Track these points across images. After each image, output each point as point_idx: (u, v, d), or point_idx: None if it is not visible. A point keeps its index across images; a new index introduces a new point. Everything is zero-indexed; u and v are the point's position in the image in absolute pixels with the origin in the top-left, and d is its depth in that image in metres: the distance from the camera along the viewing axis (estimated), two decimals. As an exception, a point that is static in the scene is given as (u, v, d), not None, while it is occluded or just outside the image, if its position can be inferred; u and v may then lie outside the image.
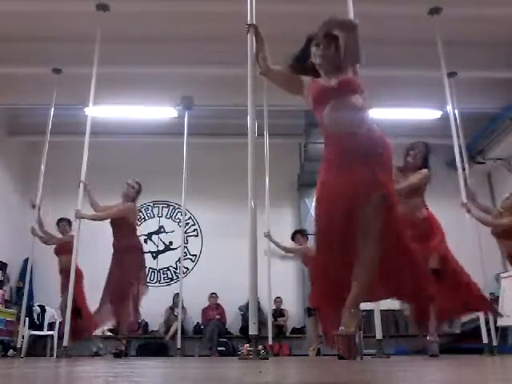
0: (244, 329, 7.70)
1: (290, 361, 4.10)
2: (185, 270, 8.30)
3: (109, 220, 5.12)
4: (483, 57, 6.84)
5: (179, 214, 8.88)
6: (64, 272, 5.52)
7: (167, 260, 8.93)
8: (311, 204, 9.01)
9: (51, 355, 6.60)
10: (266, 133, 6.45)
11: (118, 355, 4.70)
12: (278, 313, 8.20)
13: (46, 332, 7.09)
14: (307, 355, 6.39)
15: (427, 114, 7.82)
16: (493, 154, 8.44)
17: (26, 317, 5.79)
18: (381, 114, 7.77)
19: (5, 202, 8.30)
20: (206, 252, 8.96)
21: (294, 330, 8.41)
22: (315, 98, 2.49)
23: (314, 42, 2.57)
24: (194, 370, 2.12)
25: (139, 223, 9.20)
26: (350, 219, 2.21)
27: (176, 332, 6.58)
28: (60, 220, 6.03)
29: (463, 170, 5.59)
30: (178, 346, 6.31)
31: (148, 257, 8.93)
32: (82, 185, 5.03)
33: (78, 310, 5.16)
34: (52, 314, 7.20)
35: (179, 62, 6.71)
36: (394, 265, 2.21)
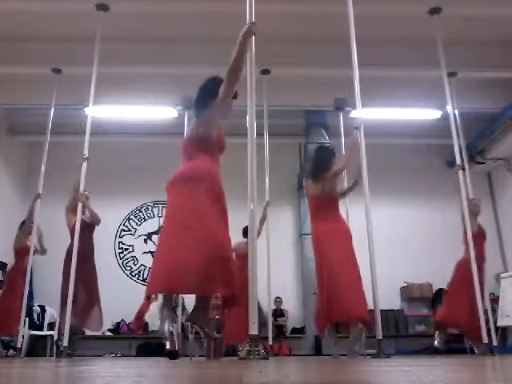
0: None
1: (290, 361, 4.10)
2: (185, 270, 8.29)
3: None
4: (483, 57, 6.84)
5: (179, 213, 8.87)
6: None
7: (167, 260, 8.92)
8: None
9: (51, 355, 6.60)
10: (265, 133, 6.44)
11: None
12: (278, 313, 8.20)
13: (46, 332, 7.11)
14: (307, 355, 6.38)
15: (427, 114, 7.82)
16: (493, 153, 8.44)
17: (26, 317, 5.78)
18: (381, 114, 7.78)
19: (5, 202, 8.29)
20: (205, 252, 8.94)
21: (294, 330, 8.40)
22: None
23: None
24: (193, 369, 2.12)
25: (139, 223, 9.24)
26: None
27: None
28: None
29: (463, 169, 5.59)
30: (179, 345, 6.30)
31: (148, 257, 8.93)
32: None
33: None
34: (52, 313, 7.20)
35: (179, 62, 6.70)
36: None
